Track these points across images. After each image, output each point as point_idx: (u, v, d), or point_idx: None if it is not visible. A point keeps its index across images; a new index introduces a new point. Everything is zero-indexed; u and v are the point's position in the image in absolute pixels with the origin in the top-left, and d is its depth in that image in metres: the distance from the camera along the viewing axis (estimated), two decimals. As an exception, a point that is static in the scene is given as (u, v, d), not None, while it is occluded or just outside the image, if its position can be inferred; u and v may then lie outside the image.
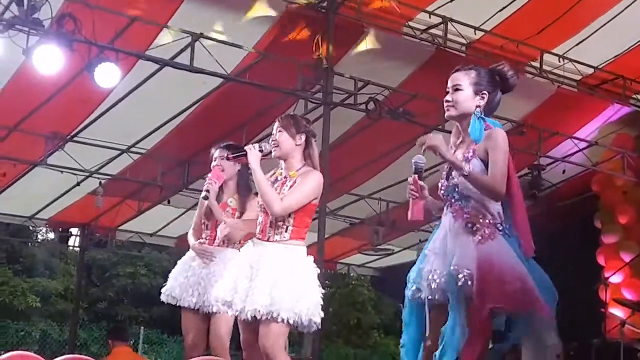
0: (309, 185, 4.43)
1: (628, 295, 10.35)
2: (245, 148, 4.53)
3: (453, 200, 3.81)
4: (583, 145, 10.73)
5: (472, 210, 3.72)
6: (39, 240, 22.18)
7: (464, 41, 9.07)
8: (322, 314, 4.36)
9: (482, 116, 3.81)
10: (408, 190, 3.83)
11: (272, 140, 4.54)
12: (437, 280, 3.63)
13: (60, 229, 15.55)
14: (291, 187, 4.44)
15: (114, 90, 8.79)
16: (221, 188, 5.37)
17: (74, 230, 15.29)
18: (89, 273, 20.75)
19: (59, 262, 21.35)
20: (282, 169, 4.57)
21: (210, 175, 5.30)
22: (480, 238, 3.64)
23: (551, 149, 10.64)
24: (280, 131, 4.52)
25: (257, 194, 5.18)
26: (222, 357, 5.08)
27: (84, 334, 17.55)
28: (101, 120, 9.77)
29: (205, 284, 5.20)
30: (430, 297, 3.66)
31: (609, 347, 8.62)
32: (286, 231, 4.40)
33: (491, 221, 3.68)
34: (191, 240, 5.45)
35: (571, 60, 9.59)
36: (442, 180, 3.90)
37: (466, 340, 3.47)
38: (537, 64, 9.49)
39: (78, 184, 11.23)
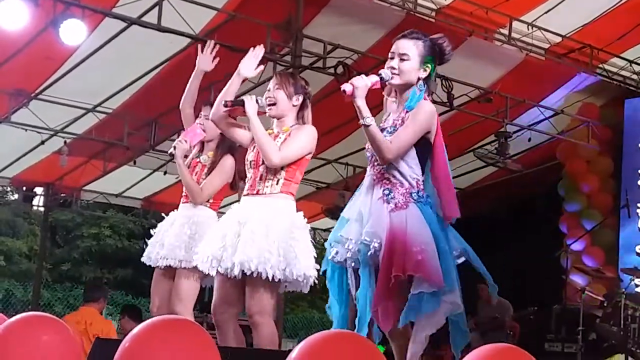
0: (305, 137, 4.27)
1: (588, 262, 10.50)
2: (243, 97, 4.31)
3: (375, 163, 3.83)
4: (549, 113, 10.82)
5: (391, 176, 3.76)
6: (3, 200, 21.93)
7: (433, 6, 9.05)
8: (317, 267, 4.14)
9: (424, 88, 3.83)
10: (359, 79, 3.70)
11: (267, 97, 4.32)
12: (352, 249, 3.73)
13: (24, 188, 15.36)
14: (284, 140, 4.25)
15: (79, 47, 8.67)
16: (202, 147, 5.25)
17: (38, 190, 15.13)
18: (53, 233, 20.58)
19: (23, 221, 21.15)
20: (273, 126, 4.36)
21: (184, 131, 5.14)
22: (393, 207, 3.70)
23: (517, 116, 10.71)
24: (277, 88, 4.33)
25: (233, 155, 5.07)
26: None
27: (47, 293, 17.47)
28: (66, 78, 9.64)
29: (169, 240, 5.01)
30: (349, 262, 3.77)
31: (568, 313, 8.75)
32: (277, 183, 4.23)
33: (407, 189, 3.73)
34: None
35: (539, 28, 9.62)
36: None
37: (378, 305, 3.61)
38: (505, 31, 9.50)
39: (42, 143, 11.10)
